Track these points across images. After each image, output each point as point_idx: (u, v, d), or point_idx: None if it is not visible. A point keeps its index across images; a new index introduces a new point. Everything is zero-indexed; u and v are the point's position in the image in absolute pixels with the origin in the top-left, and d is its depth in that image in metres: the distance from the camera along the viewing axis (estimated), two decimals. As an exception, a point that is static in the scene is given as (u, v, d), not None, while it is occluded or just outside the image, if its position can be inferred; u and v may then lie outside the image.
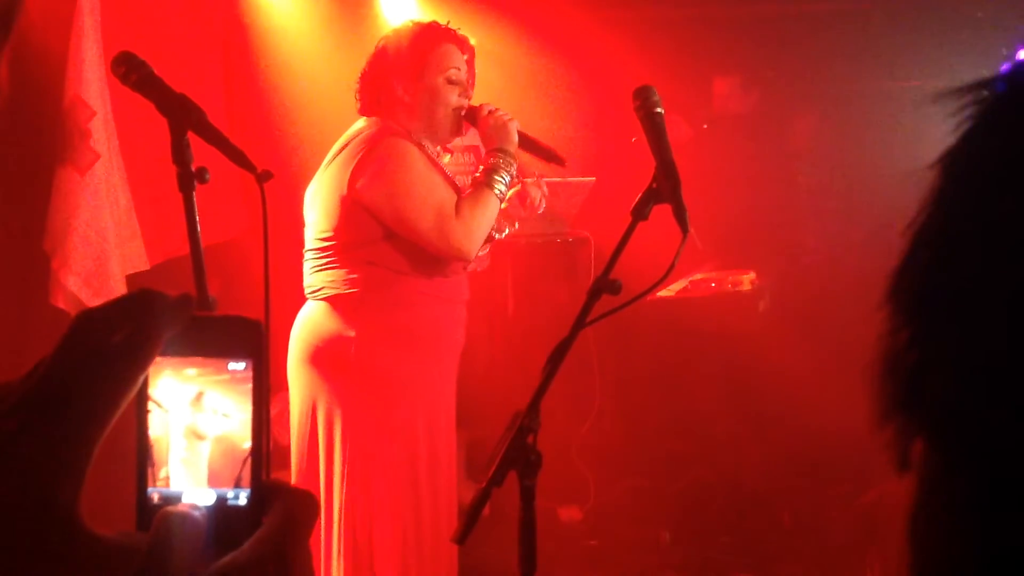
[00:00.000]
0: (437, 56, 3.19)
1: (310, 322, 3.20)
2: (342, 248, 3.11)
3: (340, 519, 3.16)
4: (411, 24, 3.30)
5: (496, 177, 3.10)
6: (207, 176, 1.84)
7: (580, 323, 2.11)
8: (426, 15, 5.96)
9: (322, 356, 3.15)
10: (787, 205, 5.71)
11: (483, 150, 3.26)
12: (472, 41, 4.83)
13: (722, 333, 4.75)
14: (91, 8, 4.41)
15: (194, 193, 1.83)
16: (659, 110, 2.21)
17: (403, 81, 3.16)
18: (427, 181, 3.07)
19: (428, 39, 3.21)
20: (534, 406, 2.02)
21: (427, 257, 3.10)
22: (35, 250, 4.41)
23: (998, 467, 0.58)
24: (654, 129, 2.20)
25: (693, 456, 5.18)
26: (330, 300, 3.14)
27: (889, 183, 5.72)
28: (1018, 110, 0.58)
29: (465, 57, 3.35)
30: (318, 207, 3.18)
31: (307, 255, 3.25)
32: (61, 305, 4.39)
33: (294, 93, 5.71)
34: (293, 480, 3.35)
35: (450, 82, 3.19)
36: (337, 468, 3.16)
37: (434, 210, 3.02)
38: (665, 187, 2.15)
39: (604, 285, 2.11)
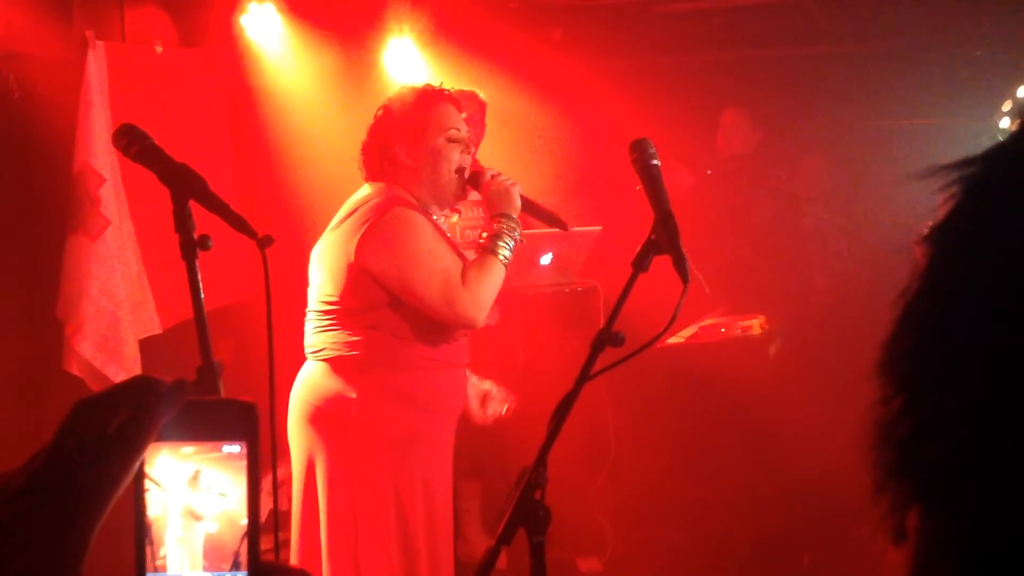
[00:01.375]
0: (436, 117, 3.22)
1: (311, 382, 3.20)
2: (346, 312, 3.12)
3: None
4: (407, 89, 3.34)
5: (500, 243, 3.12)
6: (209, 244, 1.86)
7: (584, 376, 2.11)
8: (431, 75, 6.09)
9: (322, 416, 3.15)
10: (794, 246, 5.71)
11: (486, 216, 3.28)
12: (481, 95, 4.91)
13: (733, 378, 4.73)
14: (99, 77, 4.47)
15: (196, 261, 1.85)
16: (655, 162, 2.23)
17: (405, 144, 3.19)
18: (434, 251, 3.09)
19: (426, 101, 3.24)
20: (540, 461, 2.02)
21: (429, 323, 3.12)
22: (48, 317, 4.44)
23: (994, 533, 0.58)
24: (651, 181, 2.21)
25: (711, 502, 5.16)
26: (331, 361, 3.15)
27: (894, 221, 5.76)
28: (1000, 189, 0.61)
29: (464, 115, 3.36)
30: (324, 270, 3.19)
31: (310, 315, 3.27)
32: (75, 371, 4.41)
33: (301, 154, 5.76)
34: (293, 538, 3.35)
35: (451, 141, 3.21)
36: (332, 527, 3.15)
37: (440, 280, 3.05)
38: (664, 238, 2.16)
39: (607, 338, 2.11)
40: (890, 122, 6.03)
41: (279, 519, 5.19)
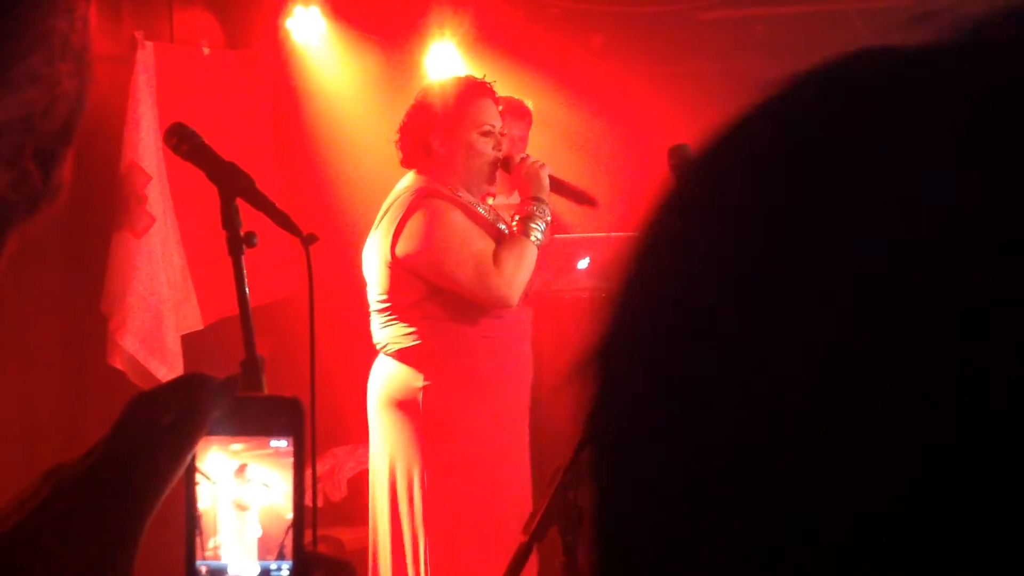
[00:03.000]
0: (471, 111, 3.29)
1: (381, 376, 3.33)
2: (397, 308, 3.24)
3: (425, 563, 3.20)
4: (448, 79, 3.40)
5: (532, 225, 3.20)
6: (255, 240, 1.90)
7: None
8: (470, 69, 6.11)
9: (394, 407, 3.26)
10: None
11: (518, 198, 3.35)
12: (529, 104, 4.93)
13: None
14: (147, 77, 4.55)
15: (243, 257, 1.89)
16: (695, 170, 2.24)
17: (438, 135, 3.27)
18: (463, 236, 3.17)
19: (463, 94, 3.32)
20: (575, 462, 2.03)
21: (472, 304, 3.21)
22: (93, 312, 4.52)
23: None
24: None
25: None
26: (396, 354, 3.26)
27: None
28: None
29: (500, 108, 3.41)
30: (371, 271, 3.31)
31: (372, 313, 3.36)
32: (118, 365, 4.49)
33: (344, 156, 5.81)
34: (372, 528, 3.40)
35: (483, 135, 3.28)
36: (418, 514, 3.23)
37: (472, 263, 3.12)
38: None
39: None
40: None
41: (322, 511, 5.30)
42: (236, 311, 2.03)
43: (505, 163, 3.32)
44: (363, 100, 5.79)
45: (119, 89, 4.49)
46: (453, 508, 3.21)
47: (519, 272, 3.14)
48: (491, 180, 3.34)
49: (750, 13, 6.22)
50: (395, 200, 3.27)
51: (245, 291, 1.87)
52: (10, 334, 4.36)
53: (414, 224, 3.14)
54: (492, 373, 3.27)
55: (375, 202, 5.94)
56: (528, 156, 3.37)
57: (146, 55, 4.55)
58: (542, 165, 3.30)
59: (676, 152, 2.26)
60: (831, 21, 6.17)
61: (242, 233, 1.90)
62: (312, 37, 5.36)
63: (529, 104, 4.96)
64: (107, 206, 4.53)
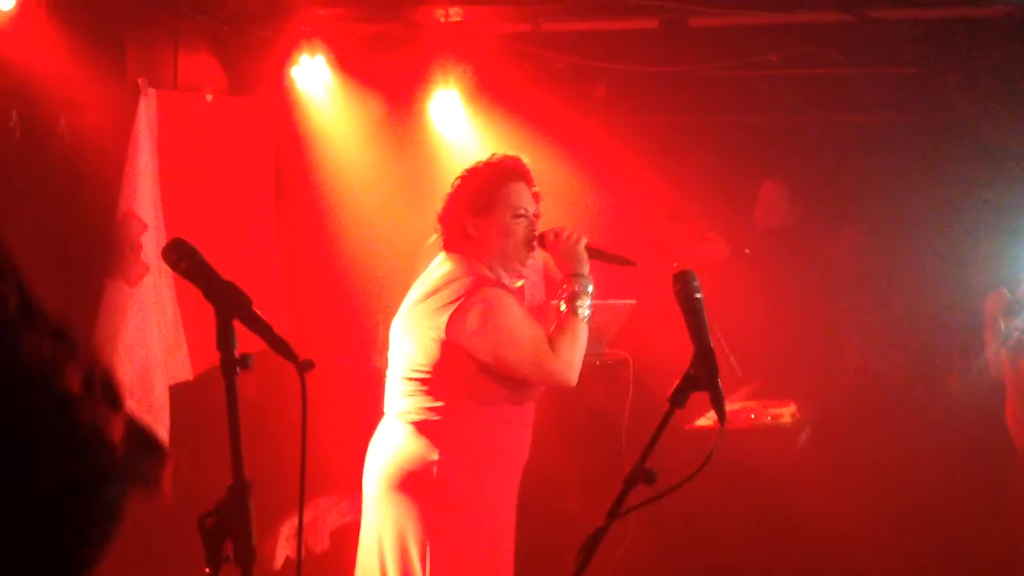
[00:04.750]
0: (505, 195, 3.34)
1: (392, 442, 3.32)
2: (435, 381, 3.26)
3: None
4: (481, 163, 3.41)
5: (578, 303, 3.26)
6: (250, 363, 1.88)
7: (615, 512, 2.10)
8: (474, 128, 6.12)
9: (406, 476, 3.27)
10: (829, 324, 5.67)
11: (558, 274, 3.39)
12: (525, 160, 4.94)
13: (759, 466, 4.69)
14: (148, 124, 4.54)
15: (236, 379, 1.86)
16: (698, 295, 2.23)
17: (473, 218, 3.29)
18: (522, 325, 3.23)
19: (497, 178, 3.34)
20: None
21: (511, 388, 3.26)
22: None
23: None
24: (693, 315, 2.21)
25: (729, 566, 5.10)
26: (417, 424, 3.27)
27: (933, 301, 5.71)
28: None
29: (534, 190, 3.44)
30: (413, 343, 3.31)
31: (395, 379, 3.37)
32: (104, 414, 4.45)
33: (346, 201, 5.79)
34: None
35: (516, 217, 3.29)
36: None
37: (531, 351, 3.19)
38: (703, 374, 2.15)
39: (640, 474, 2.11)
40: (937, 195, 5.94)
41: (304, 562, 5.25)
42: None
43: (541, 239, 3.35)
44: (366, 149, 5.78)
45: (120, 136, 4.47)
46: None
47: (575, 353, 3.23)
48: (524, 260, 3.38)
49: (752, 73, 6.24)
50: (448, 283, 3.27)
51: (236, 413, 1.85)
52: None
53: (476, 311, 3.17)
54: (500, 455, 3.33)
55: (374, 247, 5.98)
56: (563, 230, 3.37)
57: (149, 102, 4.54)
58: (578, 239, 3.33)
59: (680, 279, 2.24)
60: (831, 80, 6.19)
61: (237, 355, 1.87)
62: (316, 86, 5.35)
63: (525, 159, 4.96)
64: (101, 253, 4.51)
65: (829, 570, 4.83)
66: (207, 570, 1.89)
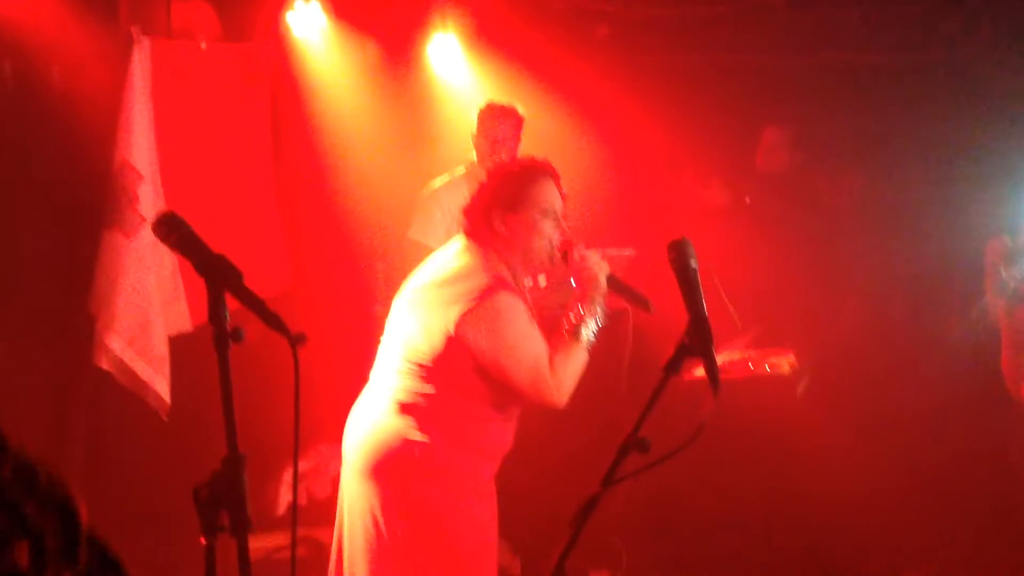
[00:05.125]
0: (534, 193, 3.31)
1: (375, 415, 3.28)
2: (433, 370, 3.23)
3: None
4: (514, 161, 3.42)
5: (584, 329, 3.22)
6: (242, 336, 1.87)
7: (608, 480, 2.11)
8: (473, 72, 6.06)
9: (386, 453, 3.22)
10: (829, 271, 5.65)
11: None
12: (520, 110, 4.91)
13: (758, 416, 4.70)
14: (142, 73, 4.48)
15: (228, 352, 1.86)
16: (693, 264, 2.21)
17: (501, 214, 3.27)
18: (527, 340, 3.19)
19: (527, 176, 3.32)
20: (560, 568, 2.03)
21: (499, 393, 3.23)
22: (81, 311, 4.49)
23: None
24: (688, 284, 2.19)
25: (724, 521, 5.15)
26: (402, 404, 3.23)
27: (937, 247, 5.68)
28: None
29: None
30: (419, 327, 3.27)
31: (391, 351, 3.33)
32: (104, 366, 4.46)
33: (343, 147, 5.76)
34: (334, 559, 3.38)
35: (545, 216, 3.28)
36: (379, 558, 3.22)
37: (530, 368, 3.16)
38: (697, 343, 2.14)
39: (633, 443, 2.11)
40: (945, 144, 5.89)
41: (309, 508, 5.29)
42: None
43: (564, 254, 3.32)
44: (363, 94, 5.73)
45: (114, 86, 4.43)
46: (432, 566, 3.23)
47: (570, 379, 3.20)
48: (548, 261, 3.34)
49: (754, 14, 6.16)
50: (465, 277, 3.24)
51: (229, 386, 1.84)
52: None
53: (487, 317, 3.14)
54: (483, 447, 3.30)
55: (373, 194, 5.95)
56: (589, 255, 3.31)
57: (142, 50, 4.48)
58: (604, 269, 3.28)
59: (675, 247, 2.22)
60: (833, 21, 6.13)
61: (229, 328, 1.86)
62: (312, 31, 5.30)
63: (520, 108, 4.93)
64: (98, 204, 4.48)
65: (827, 520, 4.85)
66: (202, 539, 1.90)
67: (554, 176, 3.34)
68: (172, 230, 1.92)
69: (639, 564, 5.15)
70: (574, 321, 3.22)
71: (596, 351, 5.02)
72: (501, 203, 3.26)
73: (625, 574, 5.10)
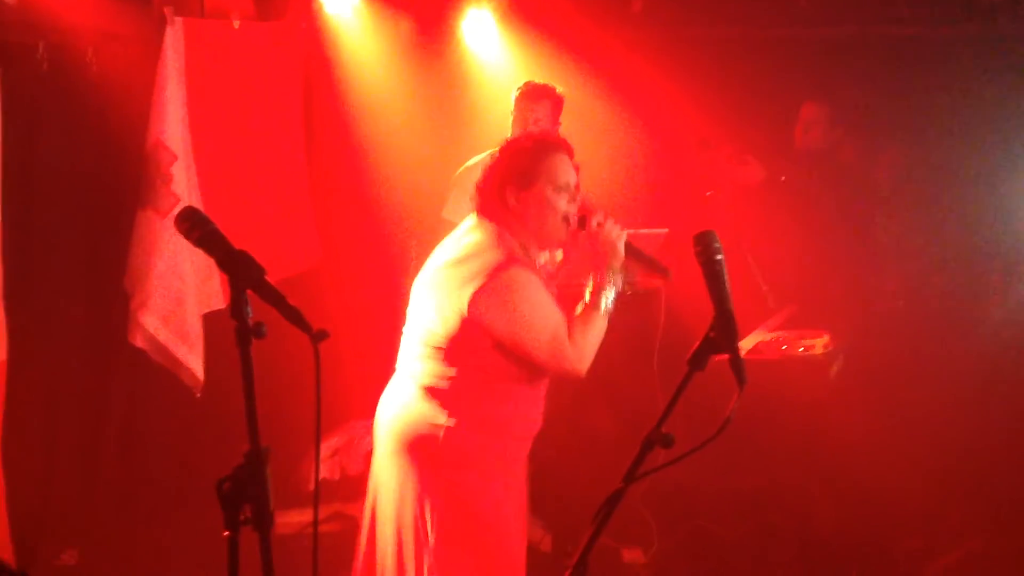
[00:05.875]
0: (547, 167, 3.28)
1: (401, 402, 3.32)
2: (452, 351, 3.24)
3: None
4: (526, 136, 3.41)
5: (603, 296, 3.24)
6: (263, 331, 1.87)
7: (631, 475, 2.09)
8: (507, 49, 6.02)
9: (412, 438, 3.25)
10: (866, 250, 5.57)
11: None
12: (559, 90, 4.88)
13: (790, 397, 4.66)
14: (175, 54, 4.50)
15: (250, 348, 1.87)
16: (719, 257, 2.18)
17: (514, 190, 3.26)
18: (542, 311, 3.19)
19: (539, 151, 3.30)
20: (582, 561, 2.03)
21: (522, 369, 3.23)
22: (116, 289, 4.53)
23: None
24: (714, 277, 2.16)
25: (758, 500, 5.12)
26: (427, 389, 3.26)
27: (977, 226, 5.59)
28: None
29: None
30: (434, 309, 3.28)
31: (411, 337, 3.35)
32: (139, 344, 4.51)
33: (376, 125, 5.76)
34: (363, 544, 3.40)
35: (558, 190, 3.26)
36: (422, 548, 3.25)
37: (549, 339, 3.17)
38: (723, 338, 2.12)
39: (657, 438, 2.10)
40: (986, 120, 5.78)
41: (340, 483, 5.34)
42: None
43: (581, 221, 3.31)
44: (396, 71, 5.72)
45: (148, 66, 4.45)
46: (458, 546, 3.24)
47: (590, 346, 3.22)
48: (562, 236, 3.32)
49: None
50: (476, 254, 3.24)
51: (251, 383, 1.85)
52: (35, 310, 4.38)
53: (498, 293, 3.13)
54: (511, 427, 3.31)
55: (406, 173, 5.95)
56: (606, 219, 3.31)
57: (175, 31, 4.50)
58: (620, 235, 3.29)
59: (701, 240, 2.19)
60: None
61: (251, 323, 1.87)
62: (344, 8, 5.28)
63: (558, 89, 4.90)
64: (132, 184, 4.52)
65: (861, 503, 4.82)
66: (226, 533, 1.91)
67: (567, 150, 3.31)
68: (195, 227, 1.92)
69: (670, 543, 5.15)
70: (593, 289, 3.23)
71: (628, 330, 5.01)
72: (513, 179, 3.24)
73: (656, 553, 5.10)
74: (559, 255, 3.51)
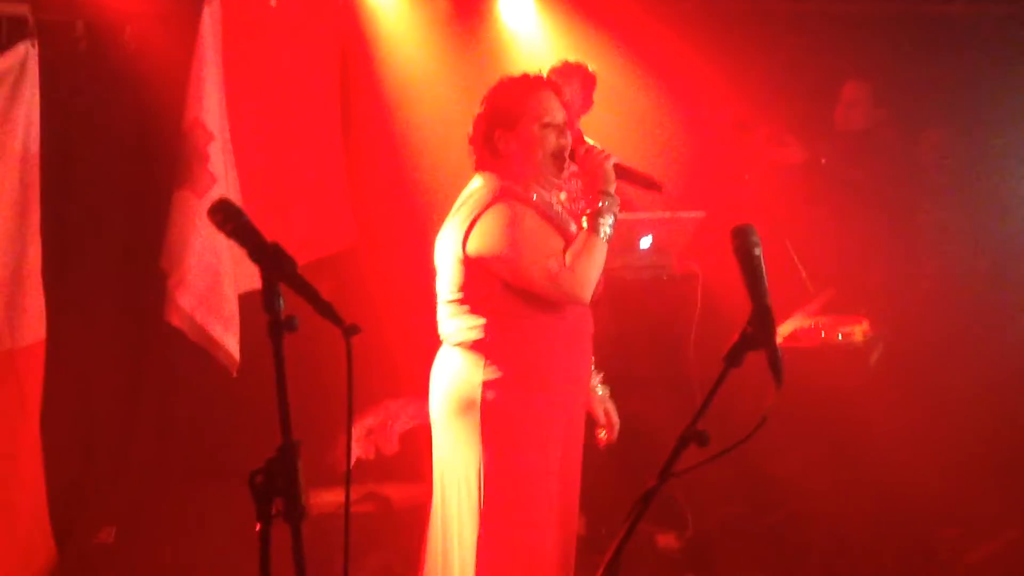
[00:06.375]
0: (531, 105, 3.27)
1: (445, 368, 3.32)
2: (468, 300, 3.24)
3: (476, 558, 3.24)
4: (506, 78, 3.36)
5: (601, 220, 3.20)
6: (296, 324, 1.86)
7: (667, 472, 2.07)
8: (544, 26, 5.96)
9: (457, 400, 3.26)
10: (907, 234, 5.49)
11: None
12: (591, 67, 4.84)
13: (829, 385, 4.60)
14: (213, 33, 4.49)
15: (282, 341, 1.85)
16: (757, 251, 2.14)
17: (502, 133, 3.25)
18: (534, 237, 3.18)
19: (521, 90, 3.29)
20: (615, 559, 2.01)
21: (544, 301, 3.22)
22: (153, 268, 4.55)
23: None
24: (752, 272, 2.12)
25: (793, 487, 5.08)
26: (462, 346, 3.25)
27: (1019, 207, 5.49)
28: None
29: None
30: (444, 264, 3.32)
31: (441, 304, 3.36)
32: (176, 323, 4.52)
33: (412, 98, 5.72)
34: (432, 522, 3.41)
35: (546, 127, 3.24)
36: (475, 509, 3.25)
37: (544, 263, 3.15)
38: (760, 334, 2.08)
39: (692, 435, 2.06)
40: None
41: (375, 464, 5.34)
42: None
43: (571, 153, 3.31)
44: (433, 48, 5.67)
45: (185, 45, 4.44)
46: (508, 502, 3.24)
47: (590, 270, 3.17)
48: (558, 171, 3.32)
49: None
50: (469, 199, 3.26)
51: (284, 376, 1.84)
52: (73, 290, 4.41)
53: (487, 224, 3.15)
54: (554, 370, 3.27)
55: (444, 149, 5.90)
56: (593, 147, 3.33)
57: (213, 10, 4.49)
58: (606, 156, 3.28)
59: (739, 234, 2.15)
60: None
61: (283, 317, 1.85)
62: (381, -17, 5.25)
63: (591, 67, 4.85)
64: (170, 163, 4.52)
65: (898, 492, 4.76)
66: (258, 525, 1.91)
67: (552, 87, 3.31)
68: (228, 219, 1.90)
69: (704, 528, 5.12)
70: (589, 215, 3.20)
71: (664, 315, 4.96)
72: (499, 122, 3.24)
73: (691, 538, 5.08)
74: (563, 196, 3.51)
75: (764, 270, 2.11)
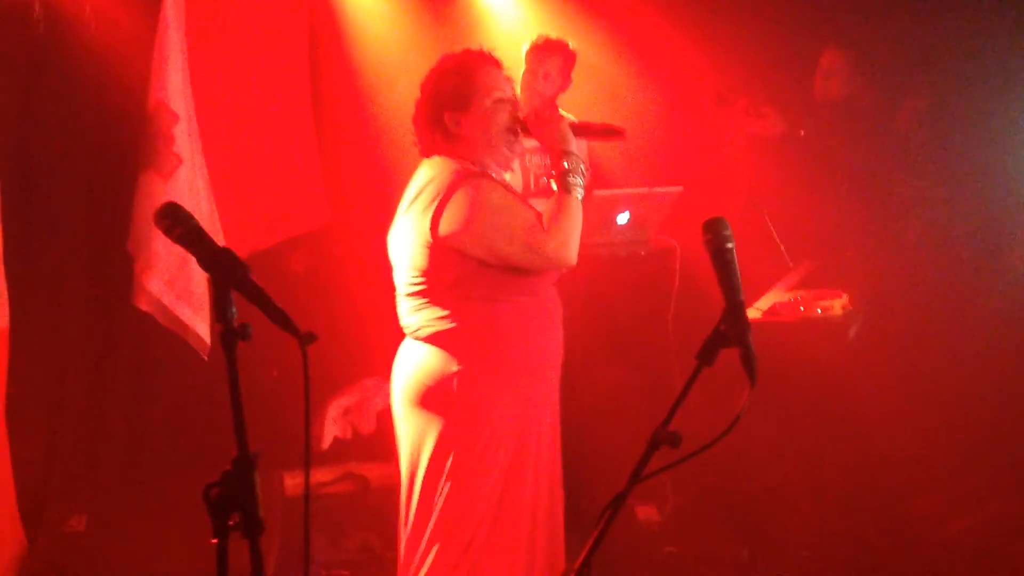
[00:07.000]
0: (481, 81, 3.19)
1: (411, 361, 3.25)
2: (436, 288, 3.17)
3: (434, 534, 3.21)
4: (449, 58, 3.27)
5: (570, 180, 3.15)
6: (249, 332, 1.79)
7: (636, 476, 2.02)
8: (522, 10, 5.86)
9: (428, 394, 3.19)
10: (887, 206, 5.43)
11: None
12: (571, 45, 4.76)
13: (807, 359, 4.57)
14: (176, 12, 4.40)
15: (236, 351, 1.79)
16: (730, 246, 2.08)
17: (453, 113, 3.17)
18: (508, 210, 3.12)
19: (469, 67, 3.21)
20: (586, 563, 1.96)
21: (518, 280, 3.16)
22: (119, 252, 4.48)
23: None
24: (724, 267, 2.06)
25: (772, 457, 5.07)
26: (429, 338, 3.19)
27: (1004, 177, 5.44)
28: None
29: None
30: (405, 252, 3.22)
31: (401, 298, 3.28)
32: (144, 307, 4.46)
33: (385, 75, 5.63)
34: (404, 510, 3.36)
35: (496, 103, 3.17)
36: (440, 501, 3.20)
37: (522, 234, 3.09)
38: (733, 331, 2.03)
39: (663, 437, 2.02)
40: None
41: (353, 443, 5.31)
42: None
43: (523, 126, 3.24)
44: (405, 25, 5.57)
45: (148, 26, 4.35)
46: (478, 493, 3.19)
47: (570, 230, 3.11)
48: (512, 147, 3.25)
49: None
50: (429, 182, 3.17)
51: (237, 387, 1.77)
52: (36, 275, 4.34)
53: (458, 205, 3.06)
54: (526, 355, 3.22)
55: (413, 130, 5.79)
56: (543, 112, 3.29)
57: (176, -12, 4.39)
58: (559, 117, 3.24)
59: (711, 227, 2.08)
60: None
61: (236, 325, 1.79)
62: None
63: (570, 44, 4.78)
64: (134, 145, 4.44)
65: (877, 467, 4.75)
66: (214, 540, 1.85)
67: (494, 63, 3.22)
68: (176, 224, 1.84)
69: (684, 500, 5.12)
70: (556, 176, 3.16)
71: (641, 288, 4.91)
72: (448, 103, 3.16)
73: (671, 510, 5.07)
74: (507, 176, 3.46)
75: (736, 265, 2.05)
